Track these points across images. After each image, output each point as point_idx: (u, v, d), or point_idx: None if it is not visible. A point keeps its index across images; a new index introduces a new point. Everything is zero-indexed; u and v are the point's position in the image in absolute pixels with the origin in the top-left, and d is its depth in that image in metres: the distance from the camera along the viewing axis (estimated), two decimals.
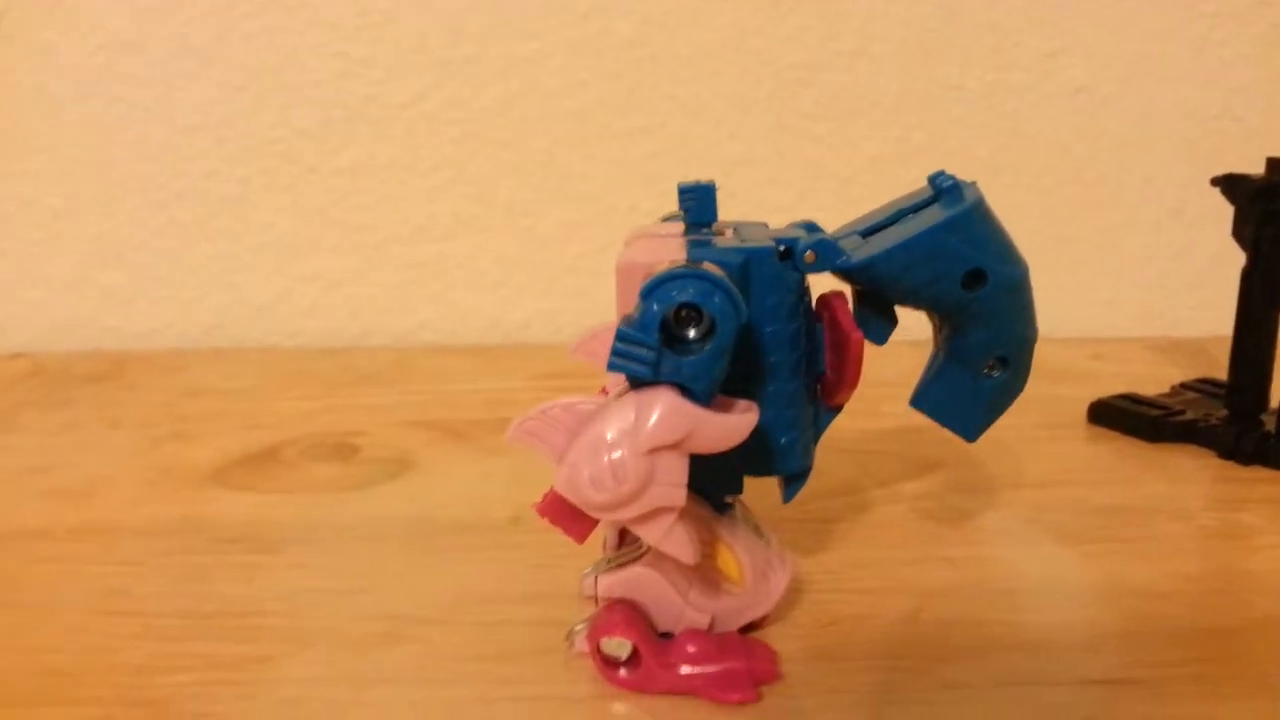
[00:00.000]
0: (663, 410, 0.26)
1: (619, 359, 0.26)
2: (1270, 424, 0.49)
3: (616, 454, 0.26)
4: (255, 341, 0.69)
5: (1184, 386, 0.56)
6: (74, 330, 0.68)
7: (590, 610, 0.32)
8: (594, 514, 0.27)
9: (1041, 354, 0.68)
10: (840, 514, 0.42)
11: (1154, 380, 0.57)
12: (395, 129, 0.67)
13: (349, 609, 0.35)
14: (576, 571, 0.37)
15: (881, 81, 0.69)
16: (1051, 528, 0.41)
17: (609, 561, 0.33)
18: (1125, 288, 0.74)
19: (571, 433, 0.27)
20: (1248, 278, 0.49)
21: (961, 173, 0.77)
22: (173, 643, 0.33)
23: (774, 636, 0.33)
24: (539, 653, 0.32)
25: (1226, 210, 0.50)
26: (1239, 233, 0.50)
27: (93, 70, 0.65)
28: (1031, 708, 0.29)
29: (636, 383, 0.27)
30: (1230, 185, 0.50)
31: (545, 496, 0.28)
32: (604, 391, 0.30)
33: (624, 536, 0.35)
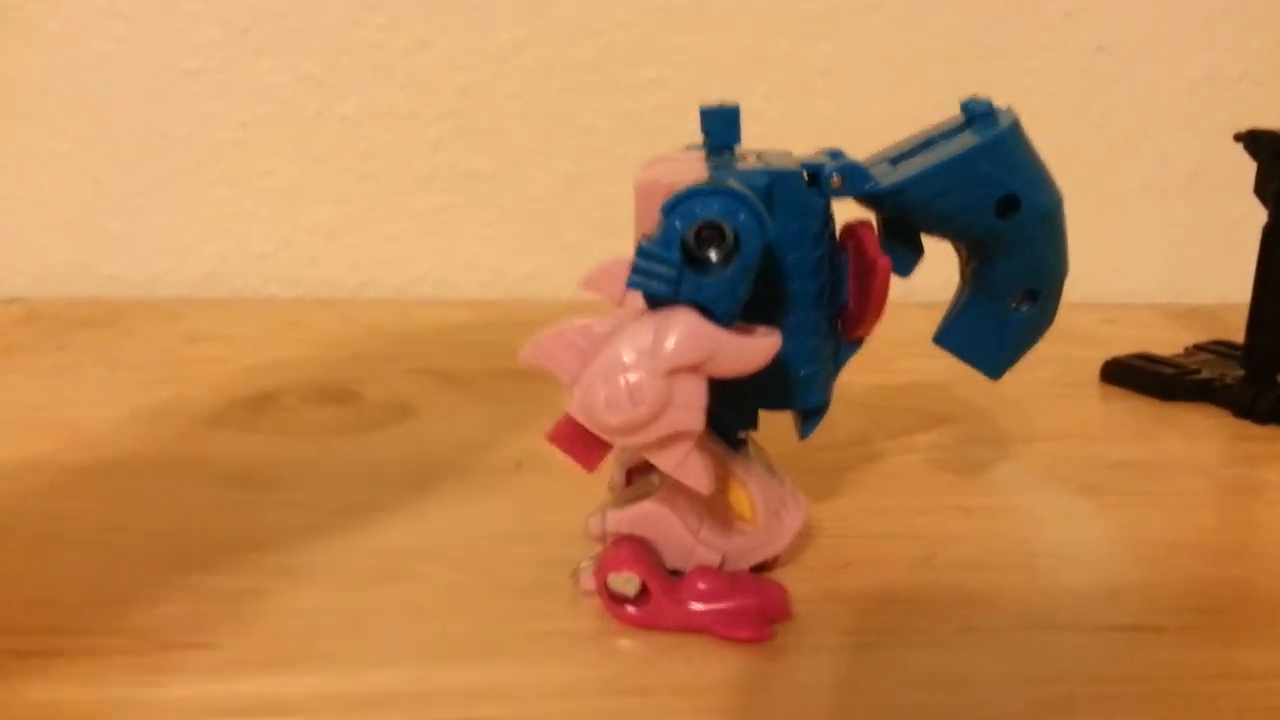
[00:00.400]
0: (682, 331, 0.25)
1: (639, 276, 0.25)
2: None
3: (633, 376, 0.25)
4: (254, 291, 0.68)
5: (1198, 348, 0.55)
6: (71, 277, 0.67)
7: (597, 550, 0.31)
8: (609, 438, 0.26)
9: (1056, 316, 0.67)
10: (852, 463, 0.41)
11: (1168, 344, 0.56)
12: (400, 76, 0.66)
13: (347, 545, 0.34)
14: (580, 513, 0.36)
15: (897, 38, 0.68)
16: (1067, 480, 0.40)
17: (617, 500, 0.32)
18: (1140, 253, 0.73)
19: (585, 355, 0.26)
20: (1269, 235, 0.48)
21: None
22: (165, 575, 0.32)
23: (786, 577, 0.32)
24: (542, 589, 0.31)
25: (1244, 175, 0.49)
26: (1262, 189, 0.49)
27: (93, 11, 0.64)
28: (1054, 651, 0.29)
29: (655, 303, 0.26)
30: (1254, 141, 0.49)
31: (556, 423, 0.27)
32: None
33: (631, 478, 0.34)
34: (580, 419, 0.26)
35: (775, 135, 0.68)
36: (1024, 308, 0.31)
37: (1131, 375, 0.51)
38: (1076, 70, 0.70)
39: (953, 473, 0.41)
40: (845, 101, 0.69)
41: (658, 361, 0.25)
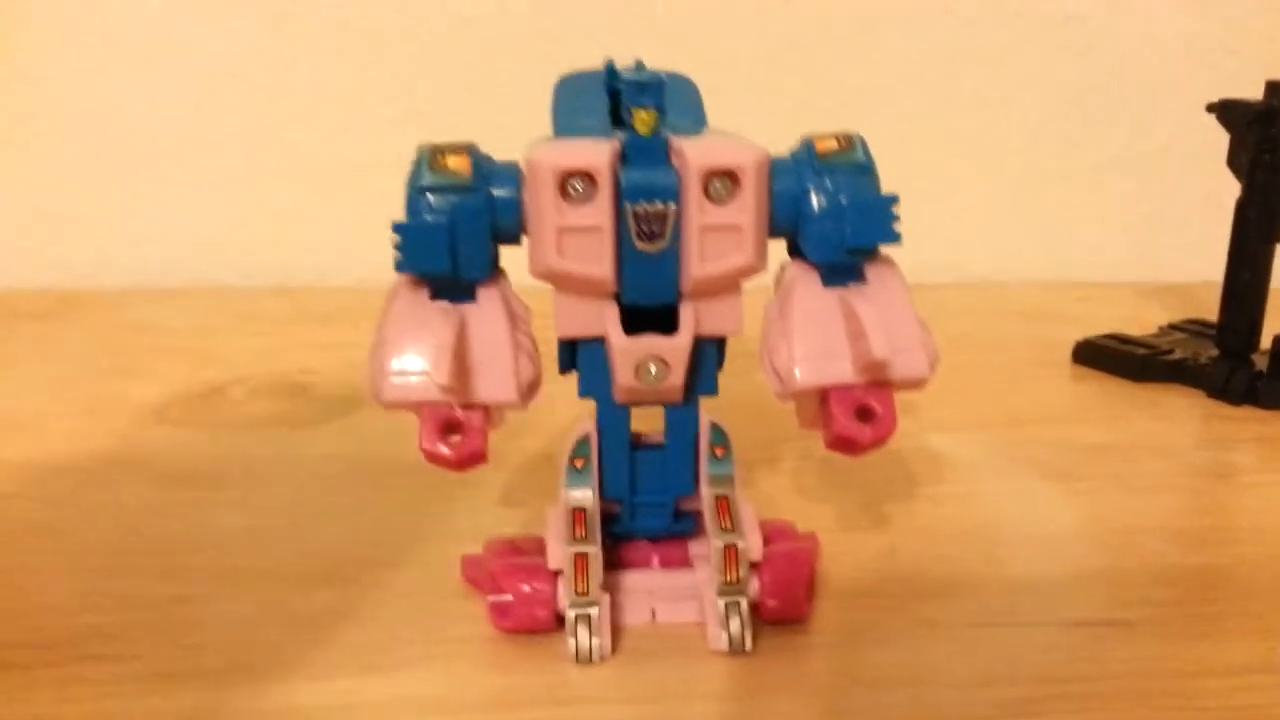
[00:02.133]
0: None
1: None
2: (1261, 364, 0.47)
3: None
4: (208, 280, 0.66)
5: (1172, 327, 0.55)
6: (11, 267, 0.65)
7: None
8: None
9: (1026, 296, 0.66)
10: (805, 451, 0.40)
11: (1141, 322, 0.55)
12: (355, 54, 0.64)
13: (286, 548, 0.33)
14: (531, 511, 0.35)
15: (864, 6, 0.67)
16: (1035, 465, 0.40)
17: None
18: (1113, 230, 0.72)
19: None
20: (1242, 209, 0.48)
21: (947, 108, 0.75)
22: (92, 582, 0.31)
23: None
24: None
25: (1218, 148, 0.48)
26: (1234, 161, 0.48)
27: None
28: (1015, 649, 0.28)
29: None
30: (1226, 111, 0.48)
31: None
32: None
33: None
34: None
35: (751, 109, 0.67)
36: None
37: (1103, 356, 0.51)
38: (1048, 39, 0.68)
39: (918, 460, 0.40)
40: (809, 74, 0.67)
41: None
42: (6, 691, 0.25)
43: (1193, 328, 0.54)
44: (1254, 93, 0.48)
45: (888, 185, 0.27)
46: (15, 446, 0.40)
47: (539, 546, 0.29)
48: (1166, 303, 0.62)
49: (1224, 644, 0.28)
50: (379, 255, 0.69)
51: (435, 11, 0.64)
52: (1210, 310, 0.50)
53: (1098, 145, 0.71)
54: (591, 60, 0.31)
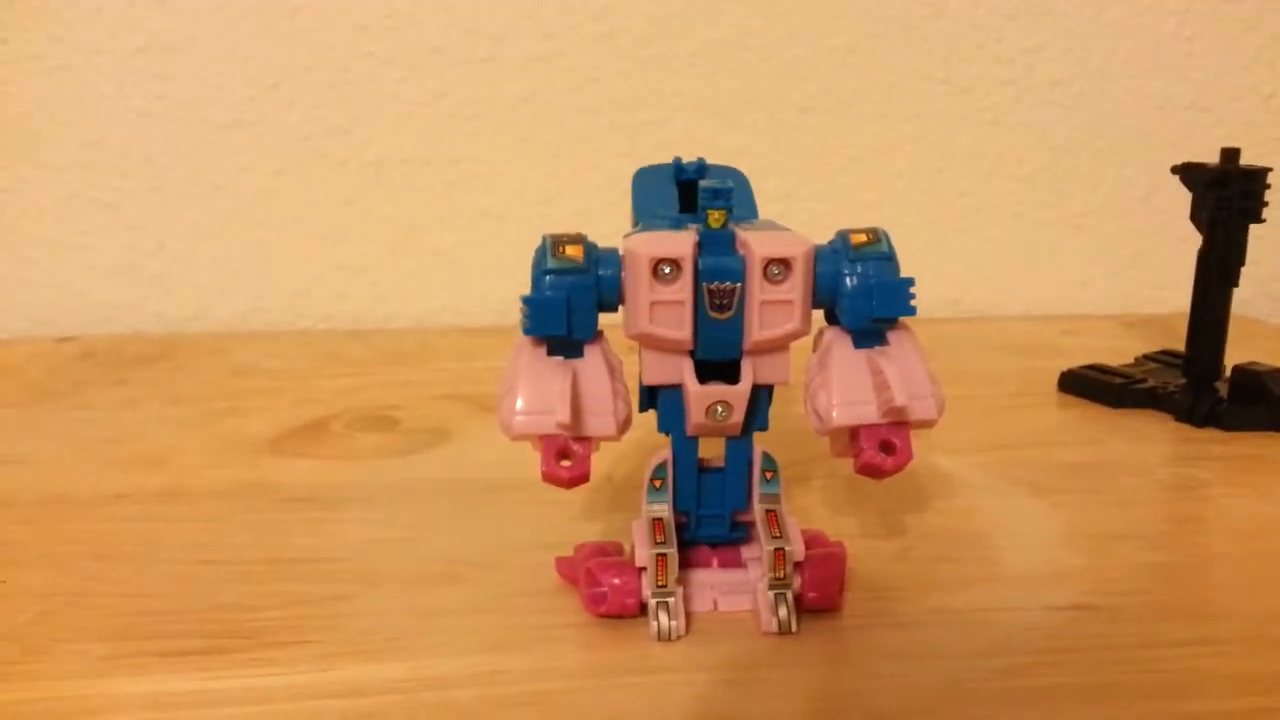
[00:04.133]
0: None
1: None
2: (1223, 391, 0.54)
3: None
4: (288, 325, 0.74)
5: (1146, 358, 0.61)
6: (119, 316, 0.73)
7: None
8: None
9: (1016, 330, 0.73)
10: (831, 471, 0.47)
11: (1120, 353, 0.62)
12: (417, 125, 0.72)
13: (408, 555, 0.40)
14: (609, 522, 0.42)
15: (872, 76, 0.74)
16: (1024, 482, 0.46)
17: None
18: (1097, 269, 0.79)
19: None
20: (1204, 258, 0.54)
21: (945, 161, 0.82)
22: (261, 585, 0.37)
23: None
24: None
25: (1188, 196, 0.54)
26: (1196, 216, 0.54)
27: (136, 70, 0.69)
28: (1007, 628, 0.34)
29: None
30: (1188, 173, 0.54)
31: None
32: None
33: None
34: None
35: (762, 168, 0.74)
36: None
37: (1085, 385, 0.57)
38: (1037, 101, 0.76)
39: (927, 478, 0.47)
40: (825, 135, 0.75)
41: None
42: (209, 671, 0.32)
43: (1164, 358, 0.61)
44: (1226, 141, 0.54)
45: (899, 232, 0.34)
46: (160, 478, 0.47)
47: (618, 548, 0.37)
48: (1143, 334, 0.69)
49: (1171, 623, 0.35)
50: (434, 302, 0.78)
51: (491, 86, 0.72)
52: (1181, 339, 0.56)
53: (1083, 195, 0.78)
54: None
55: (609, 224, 0.74)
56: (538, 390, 0.32)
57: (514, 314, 0.33)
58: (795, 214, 0.70)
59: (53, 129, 0.70)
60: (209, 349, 0.67)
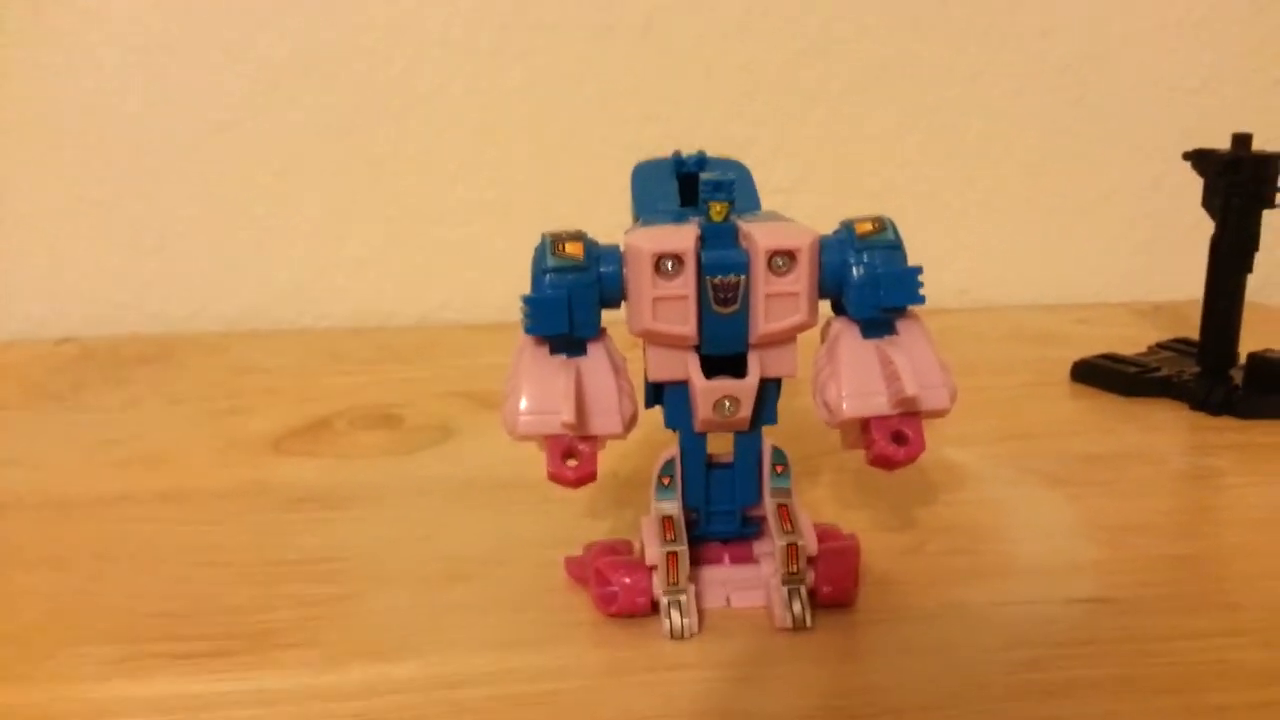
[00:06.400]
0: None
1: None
2: (1238, 378, 0.53)
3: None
4: (289, 323, 0.73)
5: (1160, 346, 0.61)
6: (118, 316, 0.72)
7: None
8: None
9: (1027, 319, 0.73)
10: (840, 465, 0.46)
11: (1133, 341, 0.61)
12: (418, 119, 0.71)
13: (415, 554, 0.39)
14: (617, 520, 0.41)
15: (879, 63, 0.74)
16: (1038, 473, 0.46)
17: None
18: (1110, 256, 0.79)
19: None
20: (1216, 245, 0.54)
21: (956, 149, 0.81)
22: (267, 586, 0.37)
23: None
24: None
25: (1200, 181, 0.54)
26: (1209, 203, 0.54)
27: (132, 71, 0.69)
28: (1024, 621, 0.34)
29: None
30: (1200, 160, 0.54)
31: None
32: None
33: None
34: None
35: (766, 158, 0.74)
36: None
37: (1098, 374, 0.57)
38: (1047, 87, 0.75)
39: (938, 470, 0.46)
40: (831, 124, 0.74)
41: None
42: (216, 673, 0.32)
43: (1178, 346, 0.60)
44: (1237, 126, 0.53)
45: (907, 221, 0.33)
46: (166, 478, 0.47)
47: (628, 547, 0.36)
48: (1157, 321, 0.69)
49: (1189, 616, 0.34)
50: (436, 298, 0.78)
51: (492, 79, 0.71)
52: (1194, 327, 0.56)
53: (1094, 182, 0.77)
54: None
55: (614, 217, 0.74)
56: (541, 390, 0.32)
57: (517, 309, 0.33)
58: (799, 206, 0.69)
59: (52, 129, 0.70)
60: (209, 348, 0.67)
